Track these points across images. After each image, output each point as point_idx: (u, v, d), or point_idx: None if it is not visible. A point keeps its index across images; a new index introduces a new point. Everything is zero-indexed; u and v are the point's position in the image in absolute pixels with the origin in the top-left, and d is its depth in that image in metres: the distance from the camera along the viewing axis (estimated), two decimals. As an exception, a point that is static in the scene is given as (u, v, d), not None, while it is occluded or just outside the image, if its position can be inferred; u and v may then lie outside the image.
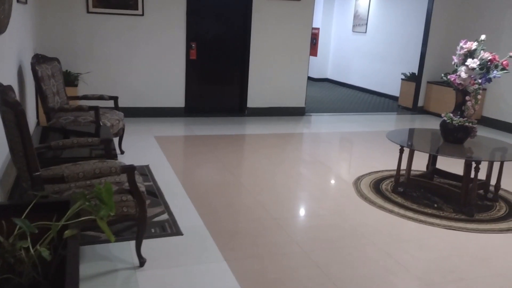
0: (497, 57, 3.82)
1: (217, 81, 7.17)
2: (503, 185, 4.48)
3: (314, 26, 12.77)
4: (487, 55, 3.78)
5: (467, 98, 3.85)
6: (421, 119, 8.14)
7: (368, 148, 5.90)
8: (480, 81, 3.83)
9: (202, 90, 7.11)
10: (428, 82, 8.44)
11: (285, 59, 7.40)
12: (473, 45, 3.84)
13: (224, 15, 6.95)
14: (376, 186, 4.34)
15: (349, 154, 5.67)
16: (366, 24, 10.95)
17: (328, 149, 5.81)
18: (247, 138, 6.13)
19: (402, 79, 9.09)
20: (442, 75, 4.00)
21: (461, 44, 3.92)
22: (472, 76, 3.87)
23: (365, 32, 11.01)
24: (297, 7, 7.23)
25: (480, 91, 3.84)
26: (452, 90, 7.84)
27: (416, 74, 8.65)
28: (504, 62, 3.80)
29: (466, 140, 4.04)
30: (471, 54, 3.87)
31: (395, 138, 4.09)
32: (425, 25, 8.36)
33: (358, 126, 7.28)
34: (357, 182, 4.45)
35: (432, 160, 4.42)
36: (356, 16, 11.35)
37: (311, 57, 12.90)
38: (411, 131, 4.56)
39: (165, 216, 3.57)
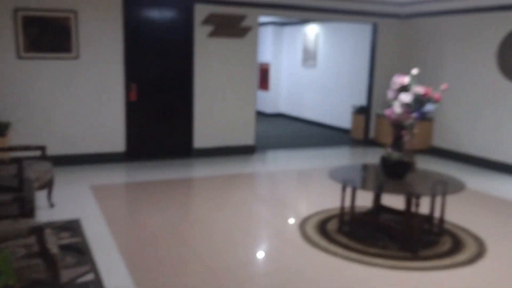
0: (430, 90, 3.81)
1: (161, 122, 6.95)
2: (449, 217, 4.41)
3: (264, 61, 12.93)
4: (419, 89, 3.76)
5: (403, 132, 3.79)
6: (372, 152, 8.14)
7: (318, 185, 5.77)
8: (414, 115, 3.78)
9: (144, 132, 6.86)
10: (377, 115, 8.51)
11: (232, 96, 7.29)
12: (406, 79, 3.82)
13: (165, 54, 6.80)
14: (322, 226, 4.17)
15: (297, 193, 5.52)
16: (315, 58, 11.09)
17: (275, 188, 5.64)
18: (192, 182, 5.89)
19: (352, 112, 9.16)
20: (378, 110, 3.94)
21: (394, 79, 3.89)
22: (408, 110, 3.83)
23: (315, 66, 11.14)
24: (241, 44, 7.18)
25: (416, 125, 3.79)
26: (400, 121, 8.02)
27: (366, 106, 8.73)
28: (436, 96, 3.79)
29: (408, 174, 3.95)
30: (404, 88, 3.84)
31: (337, 176, 3.96)
32: (370, 57, 8.51)
33: (309, 162, 7.18)
34: (303, 223, 4.26)
35: (377, 196, 4.30)
36: (305, 50, 11.50)
37: (264, 92, 12.95)
38: (353, 168, 4.46)
39: (90, 276, 3.26)
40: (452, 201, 5.02)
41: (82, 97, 6.33)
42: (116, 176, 5.99)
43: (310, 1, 7.00)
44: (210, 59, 7.02)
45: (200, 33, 6.87)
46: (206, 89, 7.06)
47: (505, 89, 6.66)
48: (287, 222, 4.34)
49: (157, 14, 6.70)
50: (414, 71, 3.90)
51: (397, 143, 3.86)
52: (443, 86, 3.94)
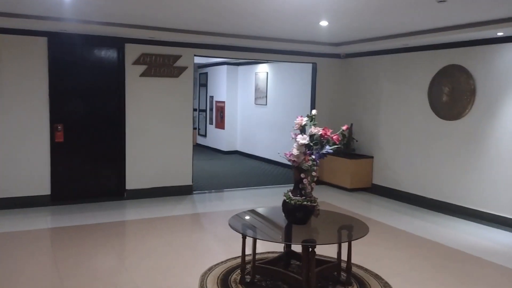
0: (328, 131, 3.70)
1: (90, 163, 6.69)
2: (358, 260, 4.24)
3: (219, 99, 12.90)
4: (315, 131, 3.65)
5: (302, 175, 3.64)
6: (318, 190, 7.92)
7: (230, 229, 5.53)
8: (314, 157, 3.66)
9: (72, 174, 6.58)
10: (320, 152, 8.42)
11: (167, 136, 7.11)
12: (304, 120, 3.71)
13: (94, 94, 6.63)
14: (226, 277, 3.92)
15: (215, 237, 5.26)
16: (266, 96, 11.10)
17: (194, 232, 5.38)
18: (120, 226, 5.59)
19: (297, 149, 9.06)
20: (278, 152, 3.80)
21: (296, 119, 3.78)
22: (308, 151, 3.70)
23: (266, 104, 11.13)
24: (176, 83, 7.08)
25: (316, 168, 3.65)
26: (343, 159, 7.95)
27: (309, 144, 8.65)
28: (334, 137, 3.68)
29: (313, 219, 3.78)
30: (303, 129, 3.73)
31: (237, 224, 3.76)
32: (311, 95, 8.52)
33: (246, 202, 6.97)
34: (206, 274, 4.00)
35: (291, 239, 4.10)
36: (257, 89, 11.52)
37: (220, 130, 12.84)
38: (256, 213, 4.23)
39: None
40: (373, 243, 4.87)
41: (4, 138, 6.06)
42: (38, 221, 5.64)
43: (247, 41, 6.98)
44: (143, 99, 6.87)
45: (132, 72, 6.75)
46: (139, 129, 6.87)
47: (437, 127, 6.66)
48: (188, 273, 4.07)
49: (86, 53, 6.57)
50: (313, 111, 3.80)
51: (297, 186, 3.70)
52: (344, 127, 3.84)
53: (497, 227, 5.70)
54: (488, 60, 5.91)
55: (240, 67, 12.39)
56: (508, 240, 5.27)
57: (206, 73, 13.72)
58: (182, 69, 7.09)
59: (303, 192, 3.67)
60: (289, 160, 3.70)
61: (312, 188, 3.68)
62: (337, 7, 4.74)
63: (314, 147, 3.71)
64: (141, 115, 6.87)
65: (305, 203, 3.64)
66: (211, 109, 13.43)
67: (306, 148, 3.65)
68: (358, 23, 5.60)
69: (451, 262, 4.50)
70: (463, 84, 6.21)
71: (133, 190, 6.89)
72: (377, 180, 7.81)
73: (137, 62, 6.75)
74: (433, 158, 6.74)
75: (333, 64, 8.41)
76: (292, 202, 3.65)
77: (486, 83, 5.95)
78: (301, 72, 9.57)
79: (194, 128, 14.69)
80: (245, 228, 3.74)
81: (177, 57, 7.02)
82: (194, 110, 15.24)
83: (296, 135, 3.74)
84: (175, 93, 7.10)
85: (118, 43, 6.63)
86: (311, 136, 3.68)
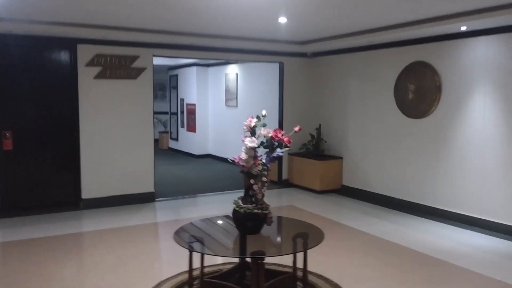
0: (279, 133, 3.44)
1: (43, 171, 6.30)
2: (319, 269, 3.99)
3: (190, 102, 12.56)
4: (265, 132, 3.39)
5: (252, 181, 3.37)
6: (287, 193, 7.76)
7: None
8: (264, 160, 3.39)
9: (23, 183, 6.18)
10: (289, 154, 8.19)
11: (126, 141, 6.76)
12: (253, 121, 3.44)
13: (45, 98, 6.25)
14: (176, 291, 3.63)
15: (165, 248, 4.94)
16: (236, 98, 10.82)
17: (146, 244, 5.03)
18: (70, 239, 5.21)
19: (266, 152, 8.80)
20: (228, 158, 3.52)
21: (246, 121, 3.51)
22: (259, 156, 3.44)
23: (236, 106, 10.85)
24: (134, 85, 6.74)
25: (266, 172, 3.38)
26: (311, 161, 7.71)
27: (278, 146, 8.40)
28: (285, 139, 3.42)
29: (265, 228, 3.51)
30: (253, 132, 3.46)
31: (183, 237, 3.46)
32: (279, 94, 8.27)
33: (211, 208, 6.68)
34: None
35: (242, 252, 3.82)
36: (227, 90, 11.23)
37: (191, 134, 12.50)
38: (206, 223, 3.93)
39: None
40: (338, 249, 4.63)
41: None
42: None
43: (208, 41, 6.69)
44: (99, 103, 6.52)
45: (85, 75, 6.39)
46: (95, 135, 6.51)
47: (404, 126, 6.48)
48: None
49: (35, 56, 6.19)
50: (263, 111, 3.54)
51: (247, 193, 3.43)
52: (297, 128, 3.59)
53: (466, 228, 5.53)
54: (453, 56, 5.74)
55: (211, 68, 12.09)
56: (475, 241, 5.10)
57: (177, 75, 13.37)
58: (141, 70, 6.76)
59: (253, 199, 3.40)
60: (238, 165, 3.42)
61: (263, 195, 3.41)
62: (292, 2, 4.49)
63: (265, 150, 3.44)
64: (96, 120, 6.51)
65: (255, 211, 3.37)
66: (182, 112, 13.08)
67: (255, 152, 3.38)
68: (317, 19, 5.37)
69: (418, 267, 4.28)
70: (428, 81, 6.03)
71: (89, 200, 6.52)
72: (347, 182, 7.60)
73: (90, 63, 6.39)
74: (401, 157, 6.55)
75: (300, 64, 8.18)
76: (242, 210, 3.37)
77: (451, 79, 5.78)
78: (270, 72, 9.30)
79: (166, 132, 14.34)
80: (191, 241, 3.44)
81: (135, 58, 6.69)
82: (166, 113, 14.90)
83: (246, 137, 3.47)
84: (133, 96, 6.76)
85: (70, 44, 6.27)
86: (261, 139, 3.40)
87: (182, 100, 13.02)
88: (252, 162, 3.37)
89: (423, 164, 6.21)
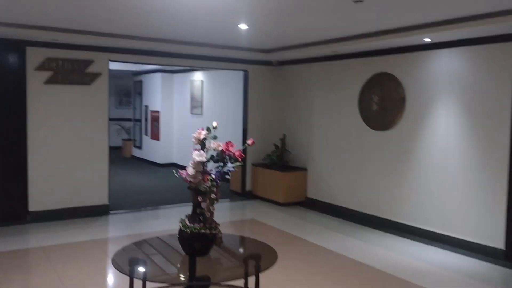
0: (230, 147, 3.19)
1: (-16, 183, 5.85)
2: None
3: (154, 109, 12.18)
4: (214, 145, 3.13)
5: (199, 198, 3.10)
6: (250, 206, 7.50)
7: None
8: (213, 176, 3.13)
9: (-38, 196, 5.72)
10: (253, 165, 7.96)
11: (79, 150, 6.37)
12: (202, 133, 3.18)
13: (-10, 104, 5.82)
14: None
15: (107, 268, 4.60)
16: (202, 105, 10.53)
17: (89, 264, 4.66)
18: (7, 257, 4.80)
19: (230, 162, 8.53)
20: (174, 171, 3.24)
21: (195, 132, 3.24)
22: (210, 170, 3.18)
23: (202, 114, 10.56)
24: (89, 92, 6.38)
25: (216, 189, 3.12)
26: (275, 172, 7.49)
27: (241, 156, 8.15)
28: (236, 153, 3.17)
29: (215, 249, 3.24)
30: (203, 144, 3.20)
31: (123, 260, 3.14)
32: (243, 103, 8.05)
33: (170, 221, 6.34)
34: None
35: (187, 277, 3.53)
36: (192, 98, 10.93)
37: (155, 142, 12.11)
38: (151, 243, 3.63)
39: None
40: (297, 268, 4.41)
41: None
42: None
43: (168, 46, 6.41)
44: (49, 109, 6.12)
45: (35, 79, 6.00)
46: (44, 143, 6.10)
47: (368, 138, 6.35)
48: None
49: (-21, 57, 5.76)
50: (214, 123, 3.29)
51: (195, 211, 3.16)
52: (250, 141, 3.35)
53: (430, 244, 5.40)
54: (417, 68, 5.65)
55: (176, 75, 11.77)
56: (439, 258, 4.96)
57: (141, 81, 12.98)
58: (95, 75, 6.40)
59: (201, 217, 3.13)
60: (185, 181, 3.15)
61: (211, 213, 3.14)
62: (250, 9, 4.28)
63: (215, 165, 3.18)
64: (46, 127, 6.11)
65: (203, 231, 3.10)
66: (146, 119, 12.68)
67: (204, 167, 3.12)
68: (278, 27, 5.17)
69: None
70: (392, 92, 5.93)
71: (37, 212, 6.10)
72: (311, 194, 7.42)
73: (41, 67, 6.01)
74: (365, 170, 6.41)
75: (265, 72, 7.99)
76: (188, 230, 3.09)
77: (415, 91, 5.69)
78: (236, 80, 9.08)
79: (130, 140, 13.88)
80: (132, 265, 3.13)
81: (89, 62, 6.33)
82: (130, 120, 14.44)
83: (194, 151, 3.21)
84: (87, 102, 6.39)
85: (18, 47, 5.86)
86: (211, 152, 3.14)
87: (146, 107, 12.64)
88: (200, 178, 3.11)
89: (387, 178, 6.08)
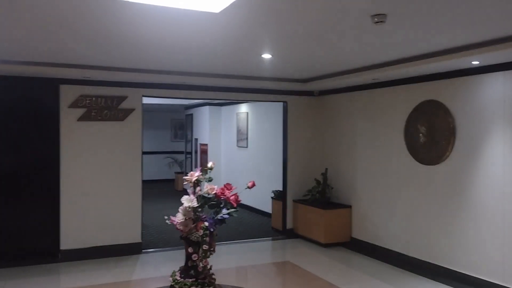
0: (226, 191, 2.82)
1: (16, 220, 5.87)
2: None
3: (203, 142, 12.11)
4: (207, 189, 2.78)
5: (190, 249, 2.73)
6: (289, 246, 7.01)
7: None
8: (206, 224, 2.76)
9: (-4, 232, 5.77)
10: (294, 201, 7.48)
11: (112, 187, 6.29)
12: (196, 175, 2.84)
13: (25, 141, 5.90)
14: None
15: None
16: (247, 138, 10.28)
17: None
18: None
19: (272, 197, 8.12)
20: (165, 217, 2.91)
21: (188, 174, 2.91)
22: (204, 217, 2.82)
23: (247, 147, 10.30)
24: (122, 128, 6.33)
25: (208, 239, 2.73)
26: (316, 210, 6.95)
27: (282, 191, 7.72)
28: (231, 198, 2.79)
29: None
30: (196, 186, 2.86)
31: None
32: (283, 135, 7.67)
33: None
34: None
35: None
36: (238, 130, 10.73)
37: (204, 175, 11.96)
38: None
39: None
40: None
41: None
42: None
43: (203, 80, 6.24)
44: (82, 146, 6.12)
45: (68, 116, 6.04)
46: (76, 179, 6.08)
47: (415, 172, 5.69)
48: None
49: (16, 97, 5.90)
50: (210, 163, 2.94)
51: (187, 264, 2.79)
52: (250, 183, 2.95)
53: (489, 297, 4.61)
54: (466, 94, 5.00)
55: (223, 108, 11.69)
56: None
57: (192, 114, 13.06)
58: (129, 111, 6.35)
59: (192, 272, 2.75)
60: (177, 229, 2.81)
61: (205, 267, 2.76)
62: (268, 36, 3.96)
63: (210, 211, 2.82)
64: (79, 163, 6.10)
65: (194, 287, 2.71)
66: (196, 152, 12.66)
67: (196, 213, 2.77)
68: (303, 55, 4.78)
69: None
70: (441, 122, 5.28)
71: (68, 251, 6.02)
72: (356, 234, 6.78)
73: (74, 105, 6.05)
74: (412, 209, 5.72)
75: (305, 103, 7.59)
76: (177, 286, 2.72)
77: (466, 120, 5.01)
78: (279, 111, 8.77)
79: (181, 173, 13.90)
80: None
81: (122, 98, 6.31)
82: (181, 152, 14.52)
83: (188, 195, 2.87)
84: (120, 138, 6.33)
85: (52, 85, 5.96)
86: (203, 197, 2.79)
87: (196, 140, 12.63)
88: (192, 226, 2.75)
89: (437, 218, 5.36)
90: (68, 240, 6.03)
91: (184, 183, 2.93)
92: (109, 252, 6.18)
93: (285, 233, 7.49)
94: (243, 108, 10.48)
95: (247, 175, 10.26)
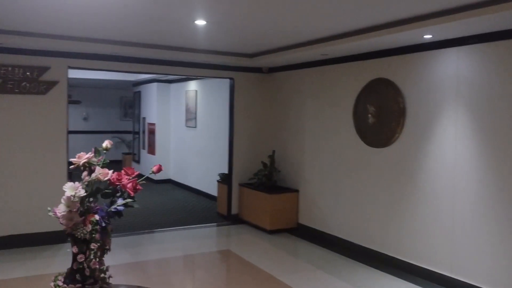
0: (124, 176, 2.29)
1: None
2: None
3: (151, 121, 11.43)
4: (95, 175, 2.24)
5: (74, 250, 2.20)
6: (233, 233, 6.58)
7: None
8: (97, 217, 2.23)
9: None
10: (240, 185, 7.02)
11: (32, 169, 5.60)
12: (84, 157, 2.29)
13: None
14: None
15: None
16: (195, 118, 9.70)
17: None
18: None
19: (217, 181, 7.63)
20: (49, 208, 2.35)
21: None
22: (97, 208, 2.28)
23: (195, 127, 9.73)
24: (44, 102, 5.62)
25: (96, 235, 2.21)
26: (261, 194, 6.53)
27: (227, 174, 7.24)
28: (128, 186, 2.26)
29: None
30: (89, 171, 2.31)
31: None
32: (229, 115, 7.15)
33: (137, 251, 5.48)
34: None
35: None
36: (187, 109, 10.12)
37: (151, 156, 11.34)
38: None
39: None
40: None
41: None
42: None
43: (137, 50, 5.61)
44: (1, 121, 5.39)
45: (-22, 89, 5.29)
46: (-11, 161, 5.37)
47: (364, 156, 5.34)
48: None
49: None
50: (105, 143, 2.40)
51: (72, 267, 2.26)
52: (155, 168, 2.43)
53: (435, 289, 4.34)
54: (418, 72, 4.64)
55: (173, 85, 11.02)
56: (444, 311, 3.90)
57: (140, 92, 12.30)
58: (52, 84, 5.64)
59: (77, 276, 2.23)
60: (60, 223, 2.26)
61: (93, 269, 2.24)
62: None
63: (103, 201, 2.29)
64: (-7, 143, 5.38)
65: (83, 297, 2.19)
66: (143, 132, 11.96)
67: (83, 205, 2.23)
68: (239, 22, 4.26)
69: None
70: (391, 102, 4.92)
71: (-20, 240, 5.34)
72: (304, 220, 6.42)
73: (-15, 75, 5.29)
74: (360, 194, 5.39)
75: (253, 80, 7.09)
76: (60, 295, 2.19)
77: (417, 100, 4.67)
78: (228, 90, 8.24)
79: (129, 154, 13.17)
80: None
81: (44, 69, 5.59)
82: (128, 132, 13.76)
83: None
84: (41, 114, 5.63)
85: (-43, 51, 5.17)
86: (93, 184, 2.25)
87: (144, 119, 11.93)
88: (79, 220, 2.21)
89: (386, 204, 5.04)
90: (-20, 228, 5.34)
91: (71, 167, 2.36)
92: (28, 242, 5.53)
93: (230, 219, 7.04)
94: (192, 85, 9.87)
95: (196, 157, 9.72)
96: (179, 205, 8.36)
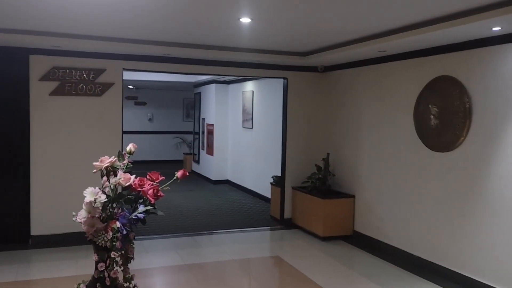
0: (146, 182, 2.17)
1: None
2: None
3: (209, 122, 11.49)
4: (114, 180, 2.14)
5: (95, 258, 2.12)
6: (285, 238, 6.39)
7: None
8: (118, 224, 2.13)
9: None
10: (293, 188, 6.80)
11: (87, 169, 5.74)
12: (106, 162, 2.21)
13: (-9, 118, 5.42)
14: None
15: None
16: (252, 119, 9.59)
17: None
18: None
19: (271, 183, 7.45)
20: (73, 213, 2.28)
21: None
22: (120, 215, 2.19)
23: (252, 128, 9.62)
24: (100, 104, 5.75)
25: (117, 243, 2.11)
26: (314, 199, 6.24)
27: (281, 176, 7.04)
28: (149, 192, 2.14)
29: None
30: (114, 175, 2.22)
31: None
32: (283, 116, 6.95)
33: (184, 255, 5.45)
34: None
35: None
36: (244, 110, 10.05)
37: (210, 157, 11.41)
38: None
39: None
40: None
41: None
42: None
43: (185, 51, 5.58)
44: (54, 123, 5.59)
45: (39, 91, 5.50)
46: (48, 161, 5.57)
47: (426, 160, 4.91)
48: None
49: (-18, 68, 5.39)
50: (129, 146, 2.30)
51: (93, 277, 2.18)
52: (179, 173, 2.28)
53: (504, 312, 3.86)
54: (485, 68, 4.16)
55: (230, 86, 11.01)
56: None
57: (200, 93, 12.44)
58: (107, 85, 5.77)
59: (98, 285, 2.14)
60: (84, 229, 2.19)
61: (113, 279, 2.14)
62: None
63: (125, 208, 2.19)
64: (51, 143, 5.57)
65: (106, 307, 2.11)
66: (203, 133, 12.07)
67: (104, 210, 2.14)
68: (287, 19, 4.04)
69: None
70: (455, 102, 4.47)
71: (40, 237, 5.55)
72: (360, 227, 6.07)
73: (45, 77, 5.50)
74: (422, 202, 4.96)
75: (307, 79, 6.82)
76: (80, 305, 2.12)
77: (485, 100, 4.19)
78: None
79: (190, 154, 13.37)
80: None
81: (100, 71, 5.72)
82: (190, 133, 13.96)
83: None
84: (98, 116, 5.77)
85: (20, 54, 5.40)
86: (115, 189, 2.16)
87: (203, 119, 12.03)
88: (100, 226, 2.13)
89: (448, 215, 4.59)
90: (39, 225, 5.56)
91: (93, 171, 2.29)
92: (82, 240, 5.66)
93: (283, 223, 6.84)
94: (249, 86, 9.78)
95: (252, 158, 9.61)
96: (233, 207, 8.28)
